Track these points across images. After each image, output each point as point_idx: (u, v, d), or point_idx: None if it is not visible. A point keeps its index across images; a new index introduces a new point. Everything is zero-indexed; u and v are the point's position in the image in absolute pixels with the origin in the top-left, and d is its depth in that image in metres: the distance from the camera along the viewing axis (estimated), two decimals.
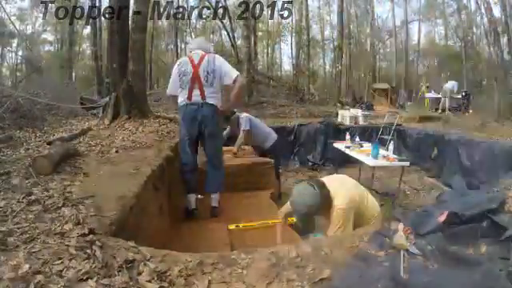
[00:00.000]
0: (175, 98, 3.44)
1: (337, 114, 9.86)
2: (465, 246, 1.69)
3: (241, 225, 3.35)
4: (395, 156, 5.33)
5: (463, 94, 11.97)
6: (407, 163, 5.23)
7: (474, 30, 20.51)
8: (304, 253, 1.68)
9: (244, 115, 5.15)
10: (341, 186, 2.32)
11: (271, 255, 1.65)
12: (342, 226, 2.16)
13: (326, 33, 24.33)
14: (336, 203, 2.20)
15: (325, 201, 2.20)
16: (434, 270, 1.48)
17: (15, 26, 17.46)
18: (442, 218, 1.79)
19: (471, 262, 1.51)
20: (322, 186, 2.24)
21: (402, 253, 1.60)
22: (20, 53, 19.42)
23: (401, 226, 1.83)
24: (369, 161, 5.09)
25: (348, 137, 6.43)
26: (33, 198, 1.94)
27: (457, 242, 1.70)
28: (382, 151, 5.34)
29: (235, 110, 5.24)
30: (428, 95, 13.49)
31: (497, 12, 12.74)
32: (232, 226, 3.31)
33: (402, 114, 10.00)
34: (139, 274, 1.41)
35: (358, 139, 6.40)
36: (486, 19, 9.94)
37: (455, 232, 1.76)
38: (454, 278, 1.42)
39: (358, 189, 2.46)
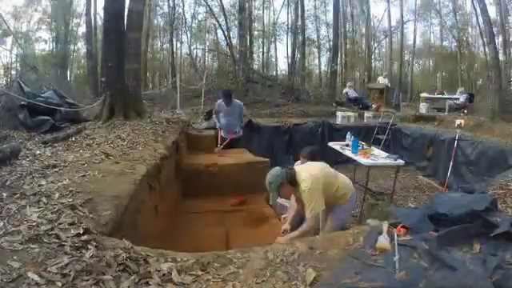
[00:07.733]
0: None
1: (332, 113, 9.81)
2: (459, 245, 1.71)
3: None
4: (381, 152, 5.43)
5: (466, 95, 12.01)
6: (402, 162, 5.25)
7: (470, 30, 20.64)
8: (299, 252, 1.69)
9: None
10: (306, 171, 2.76)
11: (266, 254, 1.66)
12: (312, 201, 2.61)
13: (322, 32, 24.23)
14: (302, 186, 2.65)
15: (290, 178, 2.68)
16: (427, 270, 1.50)
17: (8, 26, 17.21)
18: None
19: (455, 263, 1.53)
20: (289, 168, 2.79)
21: (396, 252, 1.61)
22: (14, 51, 19.14)
23: (385, 226, 1.85)
24: (363, 161, 5.11)
25: (348, 136, 6.39)
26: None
27: (451, 242, 1.72)
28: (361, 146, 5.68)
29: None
30: (422, 95, 13.55)
31: (492, 13, 12.85)
32: None
33: (398, 114, 10.02)
34: (134, 272, 1.41)
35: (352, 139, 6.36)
36: (481, 19, 9.92)
37: (450, 232, 1.78)
38: (443, 278, 1.44)
39: (323, 171, 2.88)
